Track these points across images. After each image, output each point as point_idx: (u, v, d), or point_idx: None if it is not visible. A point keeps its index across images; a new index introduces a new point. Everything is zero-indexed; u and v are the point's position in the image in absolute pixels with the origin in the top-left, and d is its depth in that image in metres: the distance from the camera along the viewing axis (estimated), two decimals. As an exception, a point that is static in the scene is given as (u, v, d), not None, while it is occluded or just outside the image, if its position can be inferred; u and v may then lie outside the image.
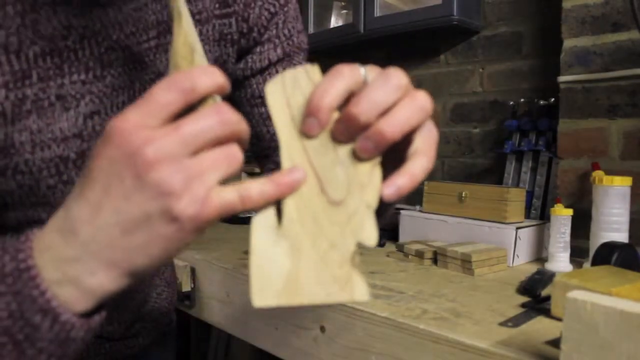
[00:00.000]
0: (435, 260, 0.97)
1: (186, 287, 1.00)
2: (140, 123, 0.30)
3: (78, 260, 0.31)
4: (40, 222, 0.39)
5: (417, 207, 1.16)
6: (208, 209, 0.30)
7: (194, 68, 0.32)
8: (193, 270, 1.00)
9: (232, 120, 0.31)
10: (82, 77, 0.46)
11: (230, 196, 0.31)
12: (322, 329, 0.72)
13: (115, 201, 0.31)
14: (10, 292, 0.32)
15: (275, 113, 0.34)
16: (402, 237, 1.14)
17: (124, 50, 0.48)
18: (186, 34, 0.36)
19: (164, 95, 0.30)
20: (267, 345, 0.82)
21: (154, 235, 0.31)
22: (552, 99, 1.19)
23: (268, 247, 0.33)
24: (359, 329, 0.68)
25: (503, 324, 0.62)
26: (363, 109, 0.32)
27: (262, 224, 0.33)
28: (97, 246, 0.31)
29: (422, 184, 1.17)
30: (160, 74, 0.51)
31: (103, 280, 0.32)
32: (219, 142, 0.31)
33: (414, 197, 1.55)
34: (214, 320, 0.94)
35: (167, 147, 0.30)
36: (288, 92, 0.34)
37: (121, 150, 0.30)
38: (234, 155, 0.32)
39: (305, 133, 0.34)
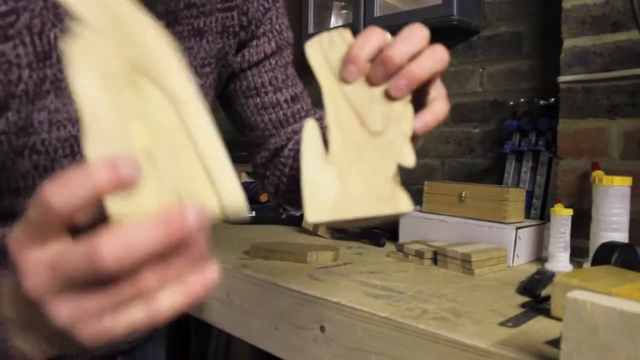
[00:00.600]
0: (435, 260, 0.97)
1: (186, 287, 1.00)
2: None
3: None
4: None
5: (417, 207, 1.16)
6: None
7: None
8: (193, 270, 1.00)
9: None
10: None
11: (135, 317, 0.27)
12: (322, 329, 0.72)
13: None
14: None
15: (316, 66, 0.41)
16: (402, 237, 1.14)
17: None
18: None
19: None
20: (267, 345, 0.81)
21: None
22: (552, 99, 1.19)
23: (317, 172, 0.36)
24: (359, 329, 0.68)
25: (503, 324, 0.62)
26: (397, 52, 0.38)
27: (311, 154, 0.37)
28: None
29: (422, 183, 1.17)
30: None
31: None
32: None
33: (414, 197, 1.55)
34: (214, 320, 0.94)
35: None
36: (325, 49, 0.41)
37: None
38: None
39: (345, 79, 0.39)
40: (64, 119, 0.48)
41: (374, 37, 0.39)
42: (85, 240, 0.25)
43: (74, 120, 0.49)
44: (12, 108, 0.45)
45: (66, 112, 0.48)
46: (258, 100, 0.69)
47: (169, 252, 0.26)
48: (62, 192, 0.25)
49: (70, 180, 0.25)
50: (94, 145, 0.27)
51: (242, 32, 0.64)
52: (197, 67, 0.61)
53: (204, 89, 0.62)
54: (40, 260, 0.27)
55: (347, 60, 0.39)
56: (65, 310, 0.26)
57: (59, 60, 0.46)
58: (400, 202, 0.37)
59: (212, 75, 0.63)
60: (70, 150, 0.49)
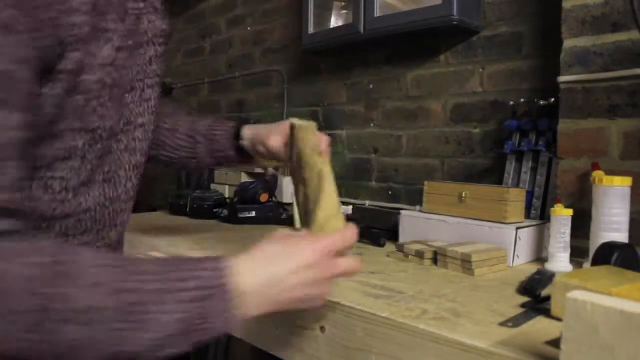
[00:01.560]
0: (435, 260, 0.97)
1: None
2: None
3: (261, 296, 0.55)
4: (73, 150, 0.57)
5: (417, 207, 1.16)
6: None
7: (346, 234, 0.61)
8: (193, 270, 1.00)
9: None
10: (114, 16, 0.59)
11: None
12: (322, 329, 0.72)
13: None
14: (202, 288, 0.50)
15: (304, 147, 0.71)
16: (402, 237, 1.14)
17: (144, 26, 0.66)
18: (332, 194, 0.66)
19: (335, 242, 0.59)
20: (267, 345, 0.81)
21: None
22: (552, 99, 1.19)
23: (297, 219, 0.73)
24: (359, 329, 0.68)
25: (503, 324, 0.62)
26: None
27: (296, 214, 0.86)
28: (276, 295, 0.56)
29: (422, 183, 1.17)
30: (148, 40, 0.67)
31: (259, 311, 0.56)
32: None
33: (414, 197, 1.56)
34: (214, 320, 0.94)
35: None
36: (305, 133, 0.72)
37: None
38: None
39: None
40: (97, 64, 0.58)
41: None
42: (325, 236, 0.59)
43: (102, 66, 0.58)
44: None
45: (100, 58, 0.58)
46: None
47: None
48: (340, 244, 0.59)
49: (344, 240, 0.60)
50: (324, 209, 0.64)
51: None
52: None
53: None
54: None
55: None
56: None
57: (100, 13, 0.56)
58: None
59: None
60: (98, 92, 0.58)
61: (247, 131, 0.90)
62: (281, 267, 0.55)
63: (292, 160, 0.77)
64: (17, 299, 0.42)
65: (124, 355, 0.47)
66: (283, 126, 0.85)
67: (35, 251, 0.46)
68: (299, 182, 0.73)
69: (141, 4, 0.64)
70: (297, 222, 0.82)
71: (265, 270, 0.54)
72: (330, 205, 0.64)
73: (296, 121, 0.74)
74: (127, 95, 0.63)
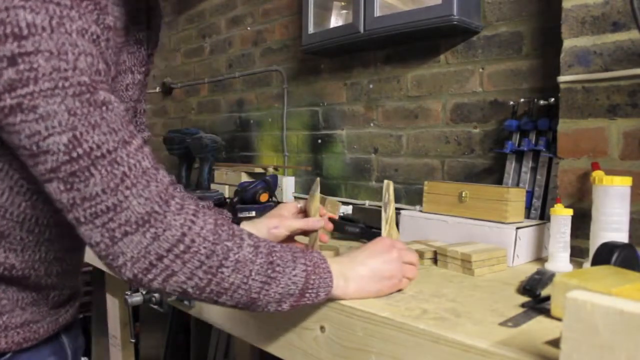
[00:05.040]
0: (435, 260, 0.97)
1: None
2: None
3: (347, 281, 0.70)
4: None
5: (417, 207, 1.16)
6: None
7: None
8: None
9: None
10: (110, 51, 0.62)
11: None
12: (322, 329, 0.72)
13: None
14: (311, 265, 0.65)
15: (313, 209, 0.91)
16: (402, 237, 1.14)
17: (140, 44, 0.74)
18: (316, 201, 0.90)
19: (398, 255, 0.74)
20: (267, 345, 0.81)
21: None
22: (552, 99, 1.19)
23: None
24: (359, 329, 0.68)
25: (503, 324, 0.62)
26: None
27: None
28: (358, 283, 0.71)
29: (422, 183, 1.17)
30: (126, 69, 0.72)
31: (346, 294, 0.70)
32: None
33: (414, 197, 1.56)
34: (214, 320, 0.94)
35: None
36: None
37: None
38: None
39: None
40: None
41: None
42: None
43: None
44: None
45: None
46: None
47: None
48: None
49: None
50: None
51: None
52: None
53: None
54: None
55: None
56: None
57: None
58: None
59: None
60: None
61: (246, 227, 0.89)
62: (363, 257, 0.73)
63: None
64: (208, 245, 0.56)
65: (256, 302, 0.61)
66: (279, 211, 0.92)
67: (208, 212, 0.59)
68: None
69: (122, 39, 0.67)
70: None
71: (349, 263, 0.72)
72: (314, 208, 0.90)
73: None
74: None
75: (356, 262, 0.71)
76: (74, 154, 0.51)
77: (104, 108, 0.53)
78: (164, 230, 0.54)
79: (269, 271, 0.60)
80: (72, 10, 0.51)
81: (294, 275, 0.62)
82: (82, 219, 0.53)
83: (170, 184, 0.57)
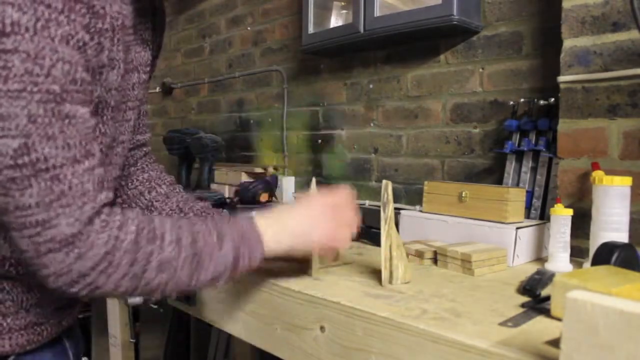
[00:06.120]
0: (435, 260, 0.97)
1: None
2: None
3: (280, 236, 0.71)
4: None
5: (417, 207, 1.16)
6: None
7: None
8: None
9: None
10: (120, 47, 0.63)
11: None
12: (322, 329, 0.72)
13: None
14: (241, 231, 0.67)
15: None
16: (402, 237, 1.13)
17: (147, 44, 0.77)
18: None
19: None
20: (267, 345, 0.81)
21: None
22: (552, 99, 1.19)
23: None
24: (359, 329, 0.68)
25: (503, 324, 0.62)
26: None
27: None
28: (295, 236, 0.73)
29: (422, 183, 1.17)
30: (134, 68, 0.73)
31: (282, 248, 0.71)
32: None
33: (414, 197, 1.56)
34: (214, 320, 0.94)
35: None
36: None
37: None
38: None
39: None
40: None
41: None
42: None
43: None
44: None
45: None
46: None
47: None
48: None
49: None
50: None
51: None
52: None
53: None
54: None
55: None
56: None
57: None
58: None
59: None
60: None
61: None
62: (291, 211, 0.75)
63: None
64: (130, 256, 0.57)
65: (190, 288, 0.63)
66: None
67: (131, 220, 0.59)
68: None
69: (131, 37, 0.67)
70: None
71: (278, 217, 0.73)
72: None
73: None
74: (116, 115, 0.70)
75: (287, 218, 0.74)
76: (20, 161, 0.50)
77: (66, 121, 0.52)
78: (87, 250, 0.53)
79: (194, 262, 0.61)
80: (61, 14, 0.50)
81: (222, 256, 0.64)
82: (12, 225, 0.53)
83: (107, 206, 0.57)
